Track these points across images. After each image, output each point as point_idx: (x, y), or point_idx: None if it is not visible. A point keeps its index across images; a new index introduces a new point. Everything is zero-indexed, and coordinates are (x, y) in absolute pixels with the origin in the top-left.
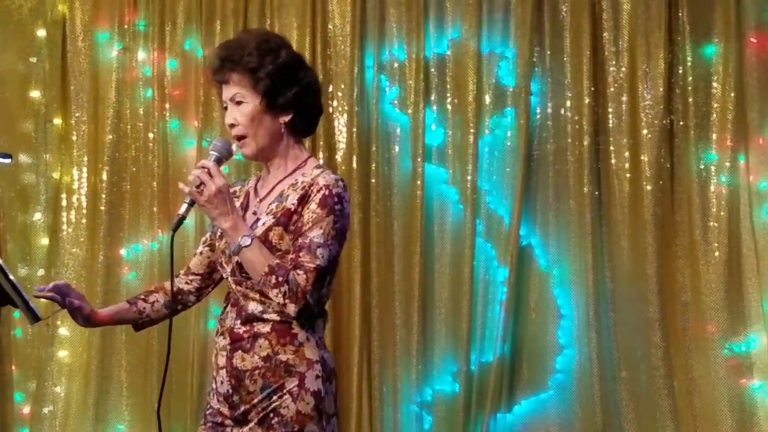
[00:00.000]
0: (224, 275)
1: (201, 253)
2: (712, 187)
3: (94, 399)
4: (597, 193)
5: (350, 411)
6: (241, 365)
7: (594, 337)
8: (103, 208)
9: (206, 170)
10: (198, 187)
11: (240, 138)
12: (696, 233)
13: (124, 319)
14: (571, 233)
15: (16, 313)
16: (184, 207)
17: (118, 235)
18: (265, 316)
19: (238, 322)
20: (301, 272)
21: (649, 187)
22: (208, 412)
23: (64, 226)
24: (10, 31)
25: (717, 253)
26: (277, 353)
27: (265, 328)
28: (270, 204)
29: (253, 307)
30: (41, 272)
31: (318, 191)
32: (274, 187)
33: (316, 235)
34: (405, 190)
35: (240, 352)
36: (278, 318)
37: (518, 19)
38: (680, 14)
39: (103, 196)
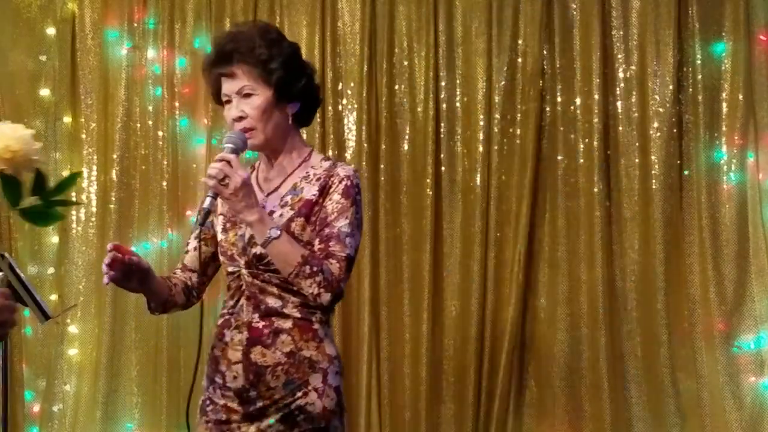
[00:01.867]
0: (231, 269)
1: (195, 249)
2: (721, 185)
3: (104, 397)
4: (606, 191)
5: (359, 409)
6: (262, 360)
7: (603, 335)
8: (112, 206)
9: (228, 163)
10: (222, 180)
11: (247, 130)
12: (705, 231)
13: (159, 290)
14: (580, 231)
15: (27, 312)
16: (208, 200)
17: (127, 234)
18: (285, 311)
19: (256, 316)
20: (333, 261)
21: (658, 185)
22: (209, 409)
23: (74, 225)
24: (20, 29)
25: (726, 251)
26: (301, 349)
27: (287, 324)
28: (284, 197)
29: (272, 301)
30: (51, 270)
31: (340, 182)
32: (284, 181)
33: (343, 224)
34: (414, 187)
35: (259, 347)
36: (299, 314)
37: (528, 18)
38: (690, 12)
39: (113, 194)
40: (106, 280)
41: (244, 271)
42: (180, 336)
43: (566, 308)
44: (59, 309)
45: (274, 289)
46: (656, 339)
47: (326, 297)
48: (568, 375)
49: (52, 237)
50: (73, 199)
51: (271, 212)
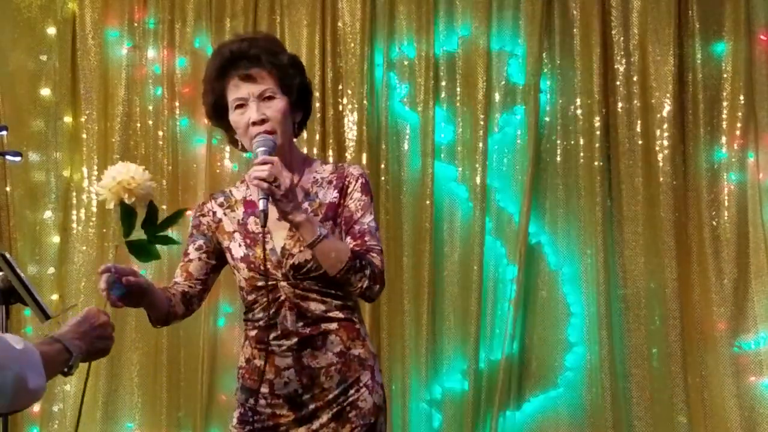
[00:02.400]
0: (262, 283)
1: (200, 259)
2: (721, 185)
3: (104, 397)
4: (607, 191)
5: None
6: (314, 363)
7: (604, 334)
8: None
9: (274, 166)
10: (273, 181)
11: (269, 133)
12: (705, 231)
13: (159, 305)
14: (580, 231)
15: (27, 311)
16: (262, 203)
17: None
18: (330, 314)
19: (301, 323)
20: (375, 255)
21: (658, 185)
22: (253, 419)
23: (74, 224)
24: (20, 29)
25: (726, 251)
26: (350, 348)
27: (333, 326)
28: (302, 204)
29: (315, 306)
30: (51, 270)
31: (356, 180)
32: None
33: (370, 219)
34: (414, 187)
35: (310, 350)
36: (342, 315)
37: (528, 17)
38: (690, 12)
39: None
40: (116, 302)
41: (282, 283)
42: (180, 336)
43: (566, 308)
44: (60, 309)
45: (316, 295)
46: (656, 338)
47: (376, 289)
48: (569, 374)
49: (53, 237)
50: (175, 238)
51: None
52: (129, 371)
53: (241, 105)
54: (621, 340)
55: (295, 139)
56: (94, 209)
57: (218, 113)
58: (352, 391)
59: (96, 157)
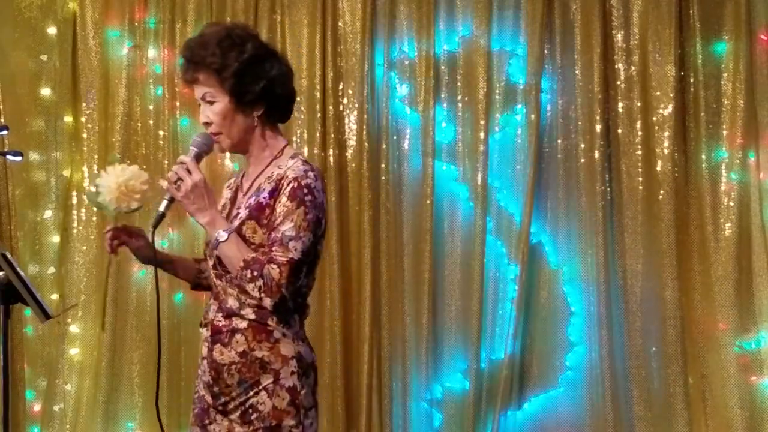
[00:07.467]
0: (203, 268)
1: None
2: (722, 185)
3: (105, 397)
4: (608, 190)
5: (360, 408)
6: (220, 359)
7: (605, 334)
8: None
9: (184, 166)
10: (176, 182)
11: (215, 134)
12: (706, 230)
13: (184, 269)
14: (581, 230)
15: (28, 311)
16: (164, 203)
17: None
18: (242, 312)
19: (220, 315)
20: (274, 266)
21: (659, 185)
22: (196, 396)
23: (75, 224)
24: (21, 28)
25: (727, 251)
26: (253, 349)
27: (242, 324)
28: (249, 198)
29: (231, 302)
30: (52, 270)
31: (288, 184)
32: (254, 181)
33: (287, 228)
34: (415, 187)
35: (219, 345)
36: (253, 316)
37: (528, 17)
38: (691, 11)
39: None
40: (108, 249)
41: (211, 272)
42: (180, 335)
43: (567, 307)
44: (60, 308)
45: (234, 291)
46: (657, 338)
47: (267, 302)
48: (570, 374)
49: (53, 236)
50: None
51: (237, 214)
52: (129, 371)
53: (199, 105)
54: (622, 340)
55: (281, 125)
56: (95, 209)
57: None
58: (251, 393)
59: (96, 157)
